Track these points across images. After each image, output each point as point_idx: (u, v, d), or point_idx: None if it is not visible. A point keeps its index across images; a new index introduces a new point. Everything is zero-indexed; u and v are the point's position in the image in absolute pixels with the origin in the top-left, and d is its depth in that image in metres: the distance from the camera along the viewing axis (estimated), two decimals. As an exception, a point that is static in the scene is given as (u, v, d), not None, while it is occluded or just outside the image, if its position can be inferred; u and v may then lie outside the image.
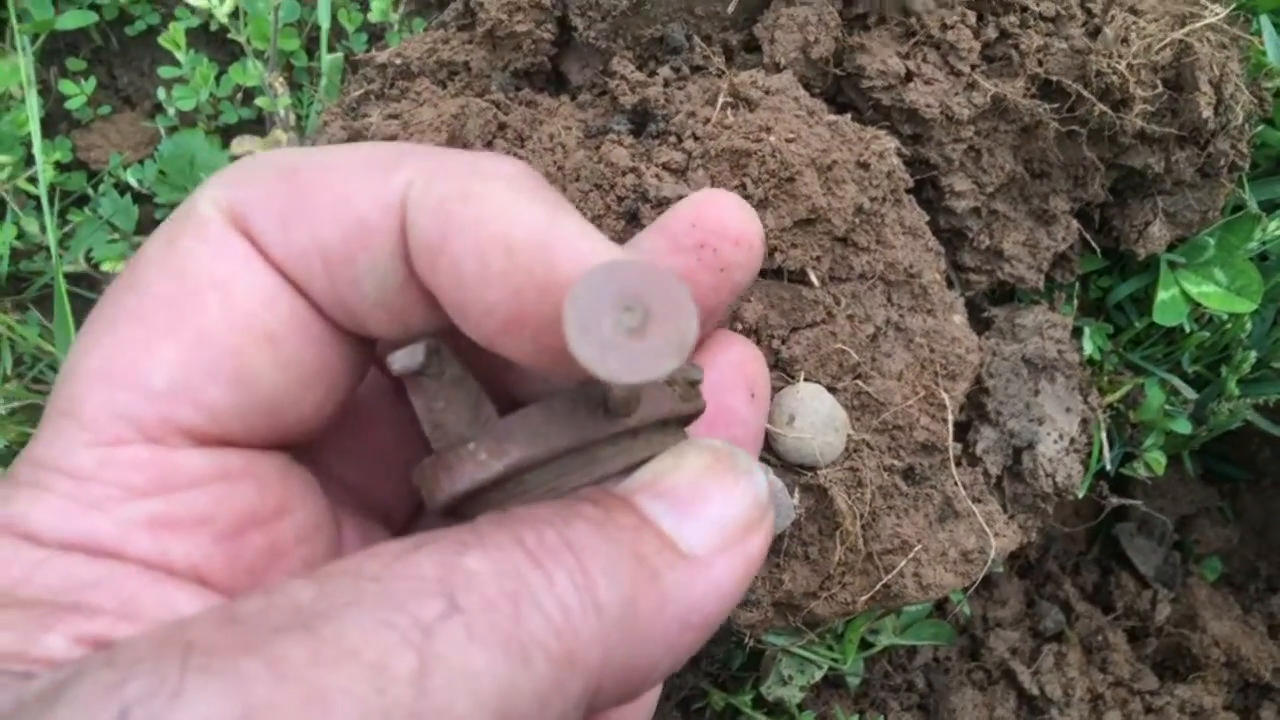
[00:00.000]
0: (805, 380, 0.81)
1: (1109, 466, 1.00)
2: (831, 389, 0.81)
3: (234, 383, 0.36)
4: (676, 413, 0.41)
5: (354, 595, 0.30)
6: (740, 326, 0.79)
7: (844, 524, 0.79)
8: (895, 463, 0.82)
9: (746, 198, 0.78)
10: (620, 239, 0.78)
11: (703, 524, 0.36)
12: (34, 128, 1.03)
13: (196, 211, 0.38)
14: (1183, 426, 1.01)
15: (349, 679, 0.28)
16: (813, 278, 0.80)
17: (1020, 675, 1.15)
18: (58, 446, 0.35)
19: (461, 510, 0.39)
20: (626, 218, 0.78)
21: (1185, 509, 1.30)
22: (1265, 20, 0.97)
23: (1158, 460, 1.03)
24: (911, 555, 0.82)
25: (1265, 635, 1.23)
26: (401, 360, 0.38)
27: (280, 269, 0.38)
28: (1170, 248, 0.98)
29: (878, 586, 0.81)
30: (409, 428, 0.45)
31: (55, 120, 1.12)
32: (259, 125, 1.09)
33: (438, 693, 0.29)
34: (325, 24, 1.06)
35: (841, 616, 0.83)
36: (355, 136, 0.87)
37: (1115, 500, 1.01)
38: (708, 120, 0.80)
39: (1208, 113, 0.88)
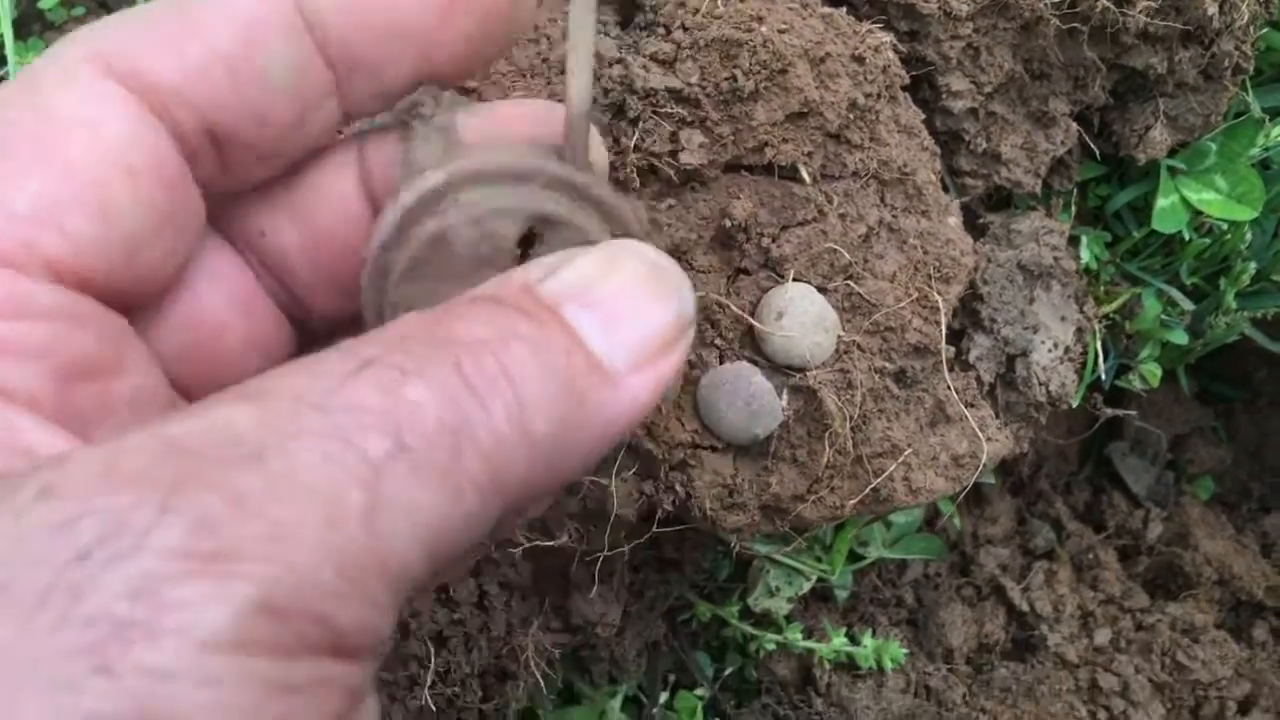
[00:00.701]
0: (795, 280, 0.79)
1: (1104, 377, 0.98)
2: (822, 289, 0.80)
3: (97, 214, 0.36)
4: (616, 199, 0.43)
5: (299, 425, 0.30)
6: (729, 223, 0.77)
7: (833, 426, 0.78)
8: (886, 365, 0.81)
9: (736, 89, 0.75)
10: (606, 131, 0.76)
11: (626, 340, 0.37)
12: (6, 30, 1.00)
13: (61, 58, 0.38)
14: (1179, 338, 1.00)
15: (306, 514, 0.28)
16: (804, 174, 0.78)
17: (1010, 591, 1.14)
18: None
19: (392, 264, 0.43)
20: (613, 110, 0.76)
21: (1179, 428, 1.29)
22: (1274, -82, 0.94)
23: (1153, 372, 1.01)
24: (901, 459, 0.80)
25: (1258, 554, 1.22)
26: (403, 102, 0.42)
27: (174, 95, 0.37)
28: (1171, 153, 0.96)
29: (867, 490, 0.80)
30: (254, 341, 0.46)
31: (28, 21, 1.09)
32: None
33: (384, 529, 0.29)
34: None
35: (830, 520, 0.81)
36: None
37: (1109, 411, 0.99)
38: (697, 10, 0.77)
39: (1213, 10, 0.85)
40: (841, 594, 1.07)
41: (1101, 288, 1.00)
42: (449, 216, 0.43)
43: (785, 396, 0.78)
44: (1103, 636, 1.15)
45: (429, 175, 0.42)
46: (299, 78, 0.39)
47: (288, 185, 0.44)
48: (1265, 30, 0.95)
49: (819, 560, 0.98)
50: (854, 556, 1.04)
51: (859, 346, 0.80)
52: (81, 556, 0.26)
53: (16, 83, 0.38)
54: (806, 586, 0.99)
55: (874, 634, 1.07)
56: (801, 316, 0.77)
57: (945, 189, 0.93)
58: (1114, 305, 0.99)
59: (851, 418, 0.79)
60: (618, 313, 0.37)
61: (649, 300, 0.38)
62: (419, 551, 0.30)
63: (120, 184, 0.36)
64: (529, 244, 0.45)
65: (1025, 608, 1.14)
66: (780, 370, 0.78)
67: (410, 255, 0.44)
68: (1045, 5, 0.84)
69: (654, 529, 0.78)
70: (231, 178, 0.41)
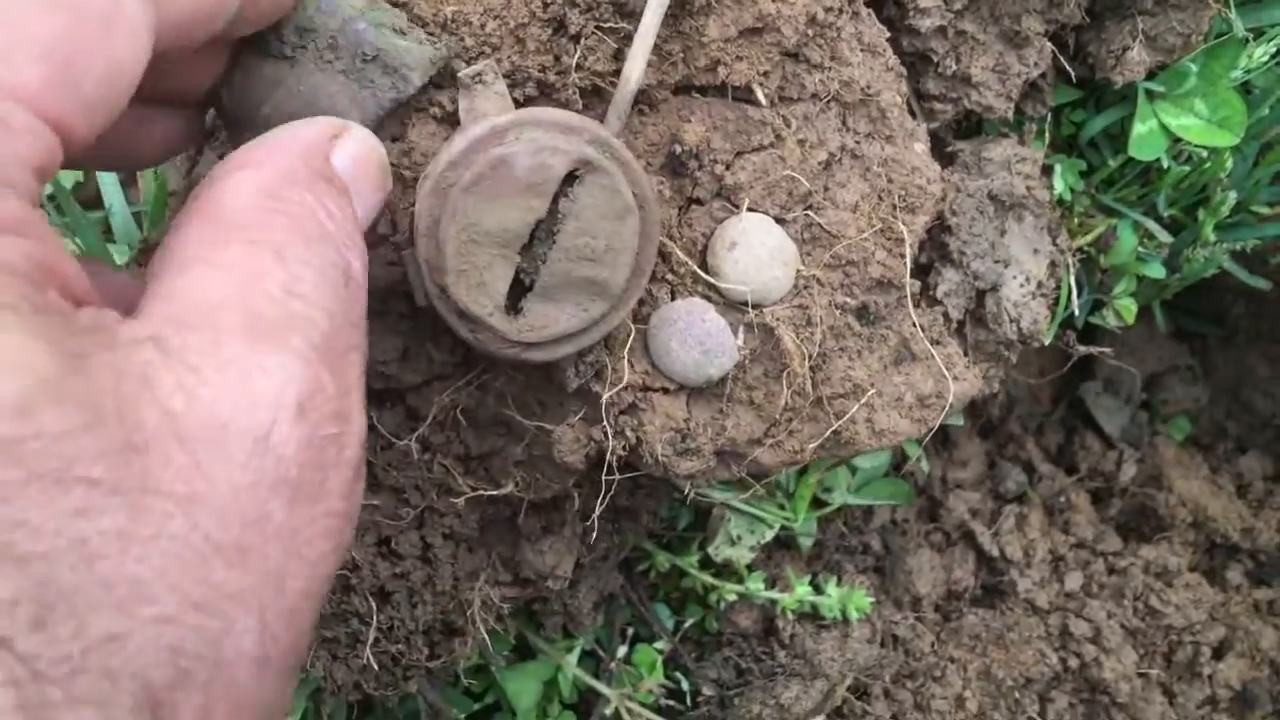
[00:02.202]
0: (750, 210, 0.74)
1: (1077, 313, 0.94)
2: (780, 220, 0.75)
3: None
4: (636, 162, 0.64)
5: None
6: (680, 149, 0.72)
7: (791, 365, 0.73)
8: (848, 300, 0.76)
9: (686, 2, 0.70)
10: (546, 50, 0.70)
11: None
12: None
13: None
14: (1156, 271, 0.95)
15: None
16: (760, 96, 0.73)
17: (980, 536, 1.11)
18: None
19: (456, 180, 0.61)
20: (553, 26, 0.70)
21: (1154, 366, 1.25)
22: None
23: (1128, 308, 0.97)
24: (864, 400, 0.76)
25: (1233, 495, 1.19)
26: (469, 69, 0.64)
27: None
28: (1149, 76, 0.91)
29: (827, 433, 0.76)
30: None
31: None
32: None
33: None
34: None
35: (789, 465, 0.77)
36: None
37: (1083, 349, 0.95)
38: (644, -83, 0.72)
39: (1196, -81, 0.80)
40: (805, 542, 1.03)
41: (1076, 219, 0.95)
42: (513, 146, 0.60)
43: (741, 334, 0.73)
44: (1074, 581, 1.12)
45: (499, 117, 0.61)
46: None
47: None
48: (1250, -56, 0.90)
49: (781, 508, 0.94)
50: (818, 503, 1.00)
51: (819, 281, 0.75)
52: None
53: None
54: (769, 535, 0.95)
55: (839, 582, 1.03)
56: (758, 249, 0.72)
57: (912, 113, 0.88)
58: (1089, 238, 0.95)
59: (811, 356, 0.74)
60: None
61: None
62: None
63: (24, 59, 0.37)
64: (569, 182, 0.61)
65: (995, 553, 1.11)
66: (735, 306, 0.73)
67: (475, 172, 0.59)
68: (1018, -86, 0.79)
69: (604, 476, 0.74)
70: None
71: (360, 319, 0.42)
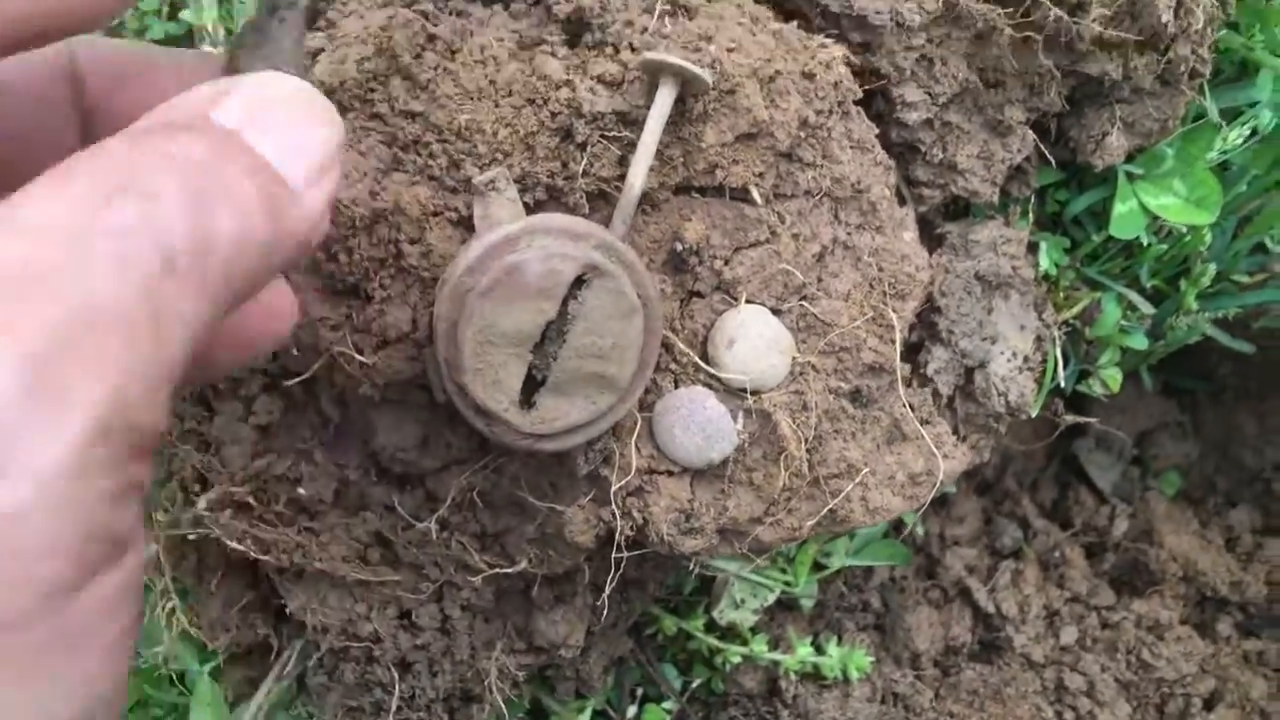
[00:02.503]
0: (748, 302, 0.78)
1: (1064, 384, 0.98)
2: (776, 310, 0.79)
3: None
4: (641, 265, 0.66)
5: (80, 252, 0.31)
6: (681, 247, 0.76)
7: (789, 449, 0.77)
8: (842, 385, 0.80)
9: (685, 111, 0.74)
10: (554, 156, 0.74)
11: (301, 160, 0.40)
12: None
13: None
14: (1139, 342, 1.00)
15: (111, 338, 0.31)
16: (755, 195, 0.77)
17: (976, 593, 1.14)
18: None
19: (473, 285, 0.64)
20: (561, 134, 0.75)
21: (1144, 423, 1.29)
22: (1230, -82, 0.93)
23: (1114, 378, 1.01)
24: (858, 479, 0.80)
25: (1223, 548, 1.23)
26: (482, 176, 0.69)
27: None
28: (1128, 158, 0.95)
29: (824, 511, 0.80)
30: None
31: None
32: (189, 40, 1.04)
33: (166, 340, 0.32)
34: (252, -68, 1.01)
35: (787, 542, 0.81)
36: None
37: (1070, 419, 0.99)
38: (645, 30, 0.76)
39: (1167, 16, 0.84)
40: (807, 603, 1.07)
41: (1061, 293, 1.00)
42: (525, 253, 0.65)
43: (740, 419, 0.78)
44: (1069, 635, 1.15)
45: (510, 225, 0.66)
46: None
47: None
48: (1223, 32, 0.94)
49: (783, 571, 0.98)
50: (818, 565, 1.04)
51: (814, 367, 0.80)
52: None
53: None
54: (771, 598, 0.99)
55: (840, 641, 1.07)
56: (755, 340, 0.77)
57: (902, 200, 0.92)
58: (1074, 311, 0.99)
59: (807, 439, 0.78)
60: (290, 136, 0.40)
61: (312, 124, 0.41)
62: (187, 355, 0.33)
63: None
64: (578, 285, 0.66)
65: (991, 609, 1.15)
66: (735, 393, 0.78)
67: (490, 279, 0.64)
68: (999, 15, 0.84)
69: (614, 554, 0.78)
70: None
71: (200, 311, 0.34)
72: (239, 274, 0.35)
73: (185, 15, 1.00)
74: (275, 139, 0.39)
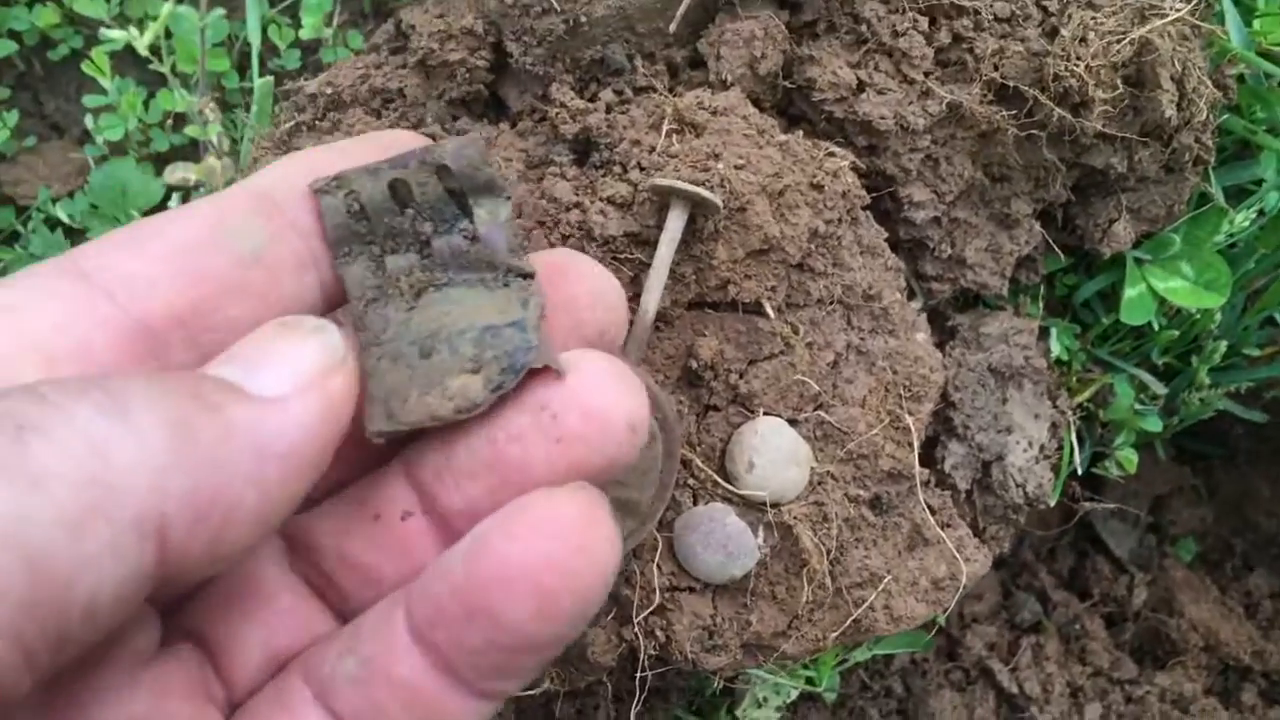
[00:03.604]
0: (765, 414, 0.78)
1: (1079, 470, 0.98)
2: (793, 421, 0.79)
3: None
4: (656, 386, 0.52)
5: None
6: (695, 363, 0.76)
7: (810, 562, 0.77)
8: (861, 493, 0.80)
9: (696, 230, 0.75)
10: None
11: (274, 372, 0.38)
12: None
13: (41, 262, 0.39)
14: (1153, 425, 0.99)
15: None
16: (768, 309, 0.78)
17: (999, 674, 1.14)
18: None
19: None
20: (572, 256, 0.75)
21: (1159, 489, 1.29)
22: (1228, 3, 0.93)
23: (1129, 459, 1.01)
24: (881, 587, 0.80)
25: (1243, 616, 1.22)
26: None
27: (136, 284, 0.39)
28: (1136, 244, 0.96)
29: (848, 622, 0.79)
30: None
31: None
32: (194, 150, 1.05)
33: None
34: (256, 43, 1.01)
35: (811, 654, 0.81)
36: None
37: (1087, 505, 0.99)
38: (653, 149, 0.77)
39: (1170, 111, 0.85)
40: (829, 696, 1.06)
41: (1074, 377, 1.00)
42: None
43: (761, 533, 0.77)
44: (1093, 712, 1.14)
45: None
46: (270, 246, 0.41)
47: None
48: (1226, 117, 0.95)
49: (806, 667, 0.97)
50: (839, 658, 1.03)
51: (833, 476, 0.79)
52: None
53: None
54: (794, 695, 0.98)
55: (864, 729, 1.06)
56: (773, 454, 0.76)
57: (912, 295, 0.93)
58: (1087, 394, 0.99)
59: (829, 551, 0.78)
60: (256, 358, 0.39)
61: (286, 341, 0.40)
62: (16, 562, 0.29)
63: (29, 367, 0.36)
64: None
65: (1014, 689, 1.14)
66: (755, 507, 0.77)
67: None
68: (1002, 115, 0.84)
69: (639, 674, 0.77)
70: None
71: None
72: (107, 475, 0.33)
73: (189, 130, 1.01)
74: (238, 363, 0.39)
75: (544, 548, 0.38)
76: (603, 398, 0.41)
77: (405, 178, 0.45)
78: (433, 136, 0.82)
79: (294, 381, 0.38)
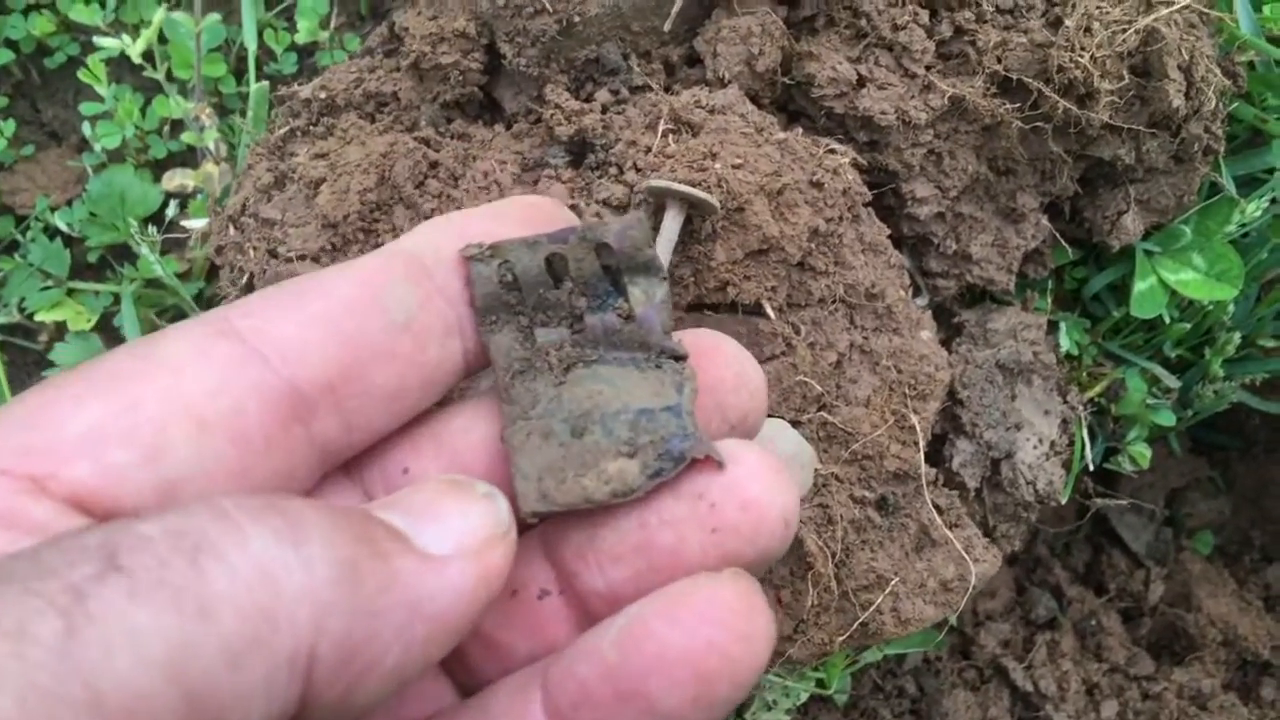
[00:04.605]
0: (768, 417, 0.77)
1: (1091, 467, 0.96)
2: (796, 423, 0.78)
3: (143, 453, 0.36)
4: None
5: (4, 571, 0.29)
6: (695, 366, 0.75)
7: (815, 566, 0.76)
8: (867, 494, 0.79)
9: (693, 231, 0.73)
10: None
11: (439, 530, 0.38)
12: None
13: (196, 319, 0.40)
14: (1165, 419, 0.98)
15: None
16: (769, 310, 0.76)
17: (1013, 672, 1.12)
18: None
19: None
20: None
21: (1175, 482, 1.27)
22: (1236, -10, 0.92)
23: (1142, 454, 0.99)
24: (888, 590, 0.79)
25: (1261, 610, 1.20)
26: None
27: (289, 347, 0.39)
28: (1145, 235, 0.94)
29: (854, 625, 0.78)
30: None
31: (-25, 162, 1.07)
32: (192, 156, 1.04)
33: (90, 652, 0.28)
34: (252, 47, 1.00)
35: (818, 659, 0.80)
36: (281, 179, 0.83)
37: (1100, 501, 0.98)
38: (649, 149, 0.76)
39: (1178, 100, 0.83)
40: (841, 698, 1.05)
41: (1084, 372, 0.98)
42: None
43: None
44: (1110, 710, 1.13)
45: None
46: (420, 312, 0.41)
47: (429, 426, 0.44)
48: (1236, 105, 0.93)
49: (816, 669, 0.96)
50: (850, 660, 1.02)
51: (837, 478, 0.78)
52: None
53: (150, 334, 0.40)
54: (804, 697, 0.97)
55: (876, 731, 1.05)
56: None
57: (918, 292, 0.91)
58: (1098, 389, 0.97)
59: (834, 554, 0.77)
60: (425, 511, 0.38)
61: (456, 502, 0.39)
62: (160, 681, 0.28)
63: (181, 432, 0.36)
64: None
65: (1029, 687, 1.12)
66: (758, 511, 0.76)
67: None
68: (1006, 108, 0.82)
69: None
70: (356, 431, 0.41)
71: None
72: (289, 608, 0.32)
73: (185, 137, 1.00)
74: (407, 512, 0.38)
75: (707, 634, 0.37)
76: (761, 491, 0.41)
77: (564, 253, 0.45)
78: (426, 141, 0.81)
79: (457, 544, 0.38)
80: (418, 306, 0.42)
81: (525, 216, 0.46)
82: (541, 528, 0.44)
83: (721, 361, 0.46)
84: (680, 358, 0.45)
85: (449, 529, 0.38)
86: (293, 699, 0.32)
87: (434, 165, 0.79)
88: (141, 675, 0.28)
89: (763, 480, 0.41)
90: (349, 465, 0.43)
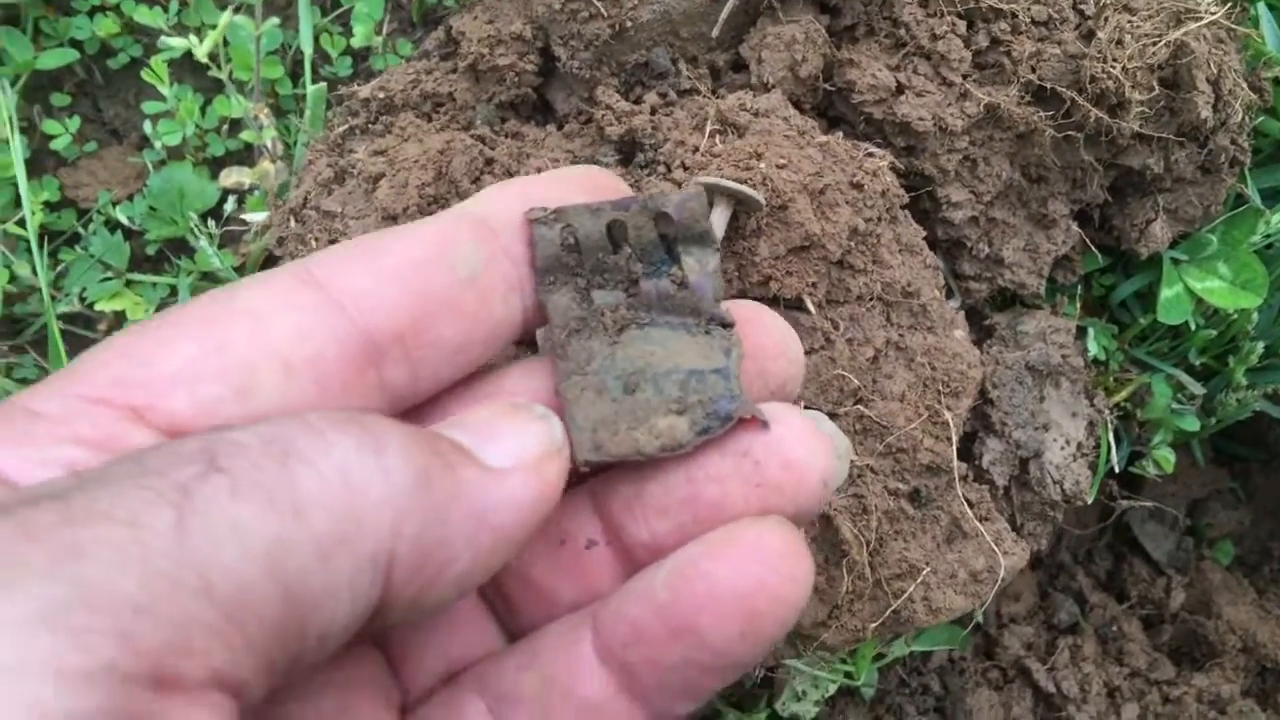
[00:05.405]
0: (806, 408, 0.80)
1: (1117, 469, 0.99)
2: (833, 415, 0.81)
3: (235, 392, 0.38)
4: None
5: (110, 471, 0.31)
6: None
7: (850, 553, 0.78)
8: (900, 486, 0.81)
9: (738, 227, 0.77)
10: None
11: (500, 446, 0.40)
12: (19, 170, 1.02)
13: (275, 269, 0.41)
14: (1190, 424, 1.00)
15: (103, 533, 0.28)
16: (809, 305, 0.79)
17: (1036, 673, 1.14)
18: (41, 393, 0.37)
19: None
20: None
21: (1196, 492, 1.29)
22: (1263, 8, 0.95)
23: (1166, 459, 1.02)
24: (920, 579, 0.81)
25: (1281, 619, 1.22)
26: None
27: (365, 297, 0.41)
28: (1173, 244, 0.97)
29: (887, 613, 0.81)
30: None
31: (42, 159, 1.11)
32: (249, 154, 1.08)
33: (199, 542, 0.30)
34: (308, 50, 1.04)
35: (851, 644, 0.82)
36: (341, 174, 0.86)
37: (1124, 504, 1.00)
38: (696, 149, 0.79)
39: (1206, 112, 0.86)
40: (868, 692, 1.07)
41: (1111, 377, 1.01)
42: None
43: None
44: (1130, 713, 1.15)
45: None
46: (485, 270, 0.43)
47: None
48: (1261, 119, 0.96)
49: (844, 662, 0.98)
50: (877, 654, 1.04)
51: (872, 470, 0.81)
52: None
53: (229, 284, 0.42)
54: (832, 689, 1.00)
55: (902, 726, 1.07)
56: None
57: (950, 294, 0.94)
58: (1124, 394, 1.00)
59: (869, 542, 0.79)
60: (486, 430, 0.41)
61: (513, 423, 0.41)
62: (260, 574, 0.31)
63: (269, 372, 0.38)
64: None
65: (1052, 689, 1.14)
66: (795, 499, 0.79)
67: None
68: (1039, 117, 0.86)
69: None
70: (422, 380, 0.43)
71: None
72: (367, 504, 0.34)
73: (244, 135, 1.04)
74: (469, 431, 0.40)
75: (757, 572, 0.40)
76: (803, 451, 0.43)
77: (625, 220, 0.47)
78: (481, 139, 0.84)
79: (517, 458, 0.40)
80: (483, 265, 0.44)
81: (585, 184, 0.48)
82: (590, 483, 0.47)
83: (763, 330, 0.48)
84: (728, 325, 0.47)
85: (508, 445, 0.40)
86: (374, 598, 0.35)
87: (489, 162, 0.82)
88: (246, 567, 0.30)
89: (805, 442, 0.43)
90: (410, 414, 0.45)
